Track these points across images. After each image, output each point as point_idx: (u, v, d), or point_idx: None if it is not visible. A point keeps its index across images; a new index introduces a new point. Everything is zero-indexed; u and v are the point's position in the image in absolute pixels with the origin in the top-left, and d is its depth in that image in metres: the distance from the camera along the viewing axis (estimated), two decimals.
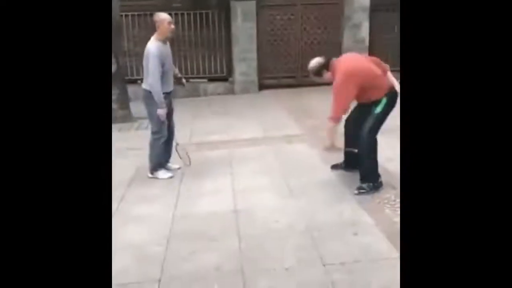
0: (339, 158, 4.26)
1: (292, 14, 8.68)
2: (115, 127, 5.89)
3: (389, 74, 3.85)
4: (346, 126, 4.02)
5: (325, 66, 3.73)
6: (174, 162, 4.53)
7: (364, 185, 3.79)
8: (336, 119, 3.61)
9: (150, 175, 4.33)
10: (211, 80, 8.75)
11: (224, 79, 8.79)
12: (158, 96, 3.97)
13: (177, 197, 3.87)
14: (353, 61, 3.77)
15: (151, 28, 4.19)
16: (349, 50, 8.10)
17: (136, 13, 8.19)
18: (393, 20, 8.23)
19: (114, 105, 6.32)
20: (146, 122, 5.50)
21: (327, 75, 3.74)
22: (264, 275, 2.67)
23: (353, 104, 3.90)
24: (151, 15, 4.32)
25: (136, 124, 6.43)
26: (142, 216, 3.54)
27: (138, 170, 4.50)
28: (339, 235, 3.12)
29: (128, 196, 3.94)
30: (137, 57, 7.21)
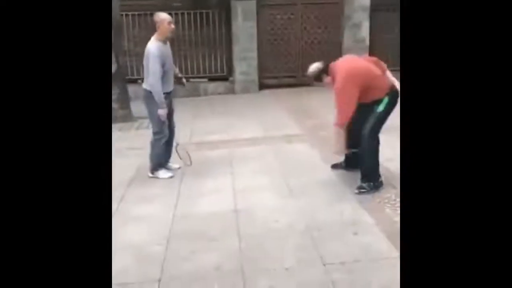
0: (340, 157, 4.26)
1: (292, 14, 8.69)
2: (115, 127, 5.90)
3: (388, 73, 3.85)
4: (346, 126, 4.01)
5: (324, 71, 3.75)
6: (175, 161, 4.53)
7: (365, 185, 3.79)
8: (342, 125, 3.64)
9: (150, 175, 4.34)
10: (212, 79, 8.76)
11: (224, 79, 8.80)
12: (159, 96, 3.97)
13: (177, 197, 3.87)
14: (352, 62, 3.77)
15: (151, 28, 4.19)
16: (349, 49, 8.13)
17: (136, 12, 8.20)
18: (393, 20, 8.22)
19: (114, 105, 6.32)
20: (146, 122, 5.51)
21: (327, 80, 3.76)
22: (264, 275, 2.67)
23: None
24: (151, 14, 4.32)
25: (136, 124, 6.43)
26: (142, 216, 3.54)
27: (138, 170, 4.50)
28: (339, 234, 3.12)
29: (128, 196, 3.94)
30: (138, 57, 7.22)
